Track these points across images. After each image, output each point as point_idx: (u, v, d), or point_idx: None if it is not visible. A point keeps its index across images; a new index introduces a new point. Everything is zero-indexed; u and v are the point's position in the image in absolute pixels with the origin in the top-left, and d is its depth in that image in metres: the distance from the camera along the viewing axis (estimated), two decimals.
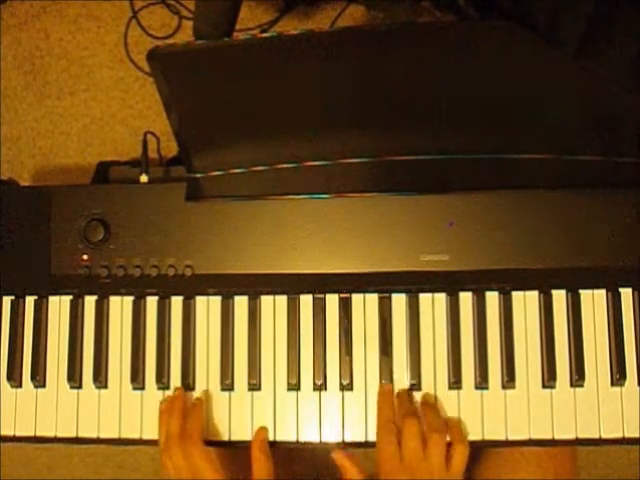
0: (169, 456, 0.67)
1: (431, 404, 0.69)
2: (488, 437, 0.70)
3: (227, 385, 0.72)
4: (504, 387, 0.70)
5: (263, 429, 0.71)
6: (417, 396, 0.71)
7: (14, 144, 1.25)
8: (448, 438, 0.66)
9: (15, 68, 1.26)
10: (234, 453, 0.74)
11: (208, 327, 0.73)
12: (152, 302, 0.74)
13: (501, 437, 0.70)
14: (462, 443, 0.65)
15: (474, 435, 0.69)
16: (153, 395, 0.73)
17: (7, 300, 0.75)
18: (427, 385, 0.70)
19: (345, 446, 0.70)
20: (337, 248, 0.72)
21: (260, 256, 0.72)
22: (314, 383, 0.71)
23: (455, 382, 0.70)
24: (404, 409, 0.67)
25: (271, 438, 0.71)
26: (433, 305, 0.72)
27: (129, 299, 0.74)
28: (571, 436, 0.69)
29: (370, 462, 0.68)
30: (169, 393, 0.72)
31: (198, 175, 0.75)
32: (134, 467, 1.27)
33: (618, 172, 0.72)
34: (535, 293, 0.71)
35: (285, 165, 0.74)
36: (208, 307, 0.73)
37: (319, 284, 0.72)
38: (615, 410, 0.69)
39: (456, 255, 0.71)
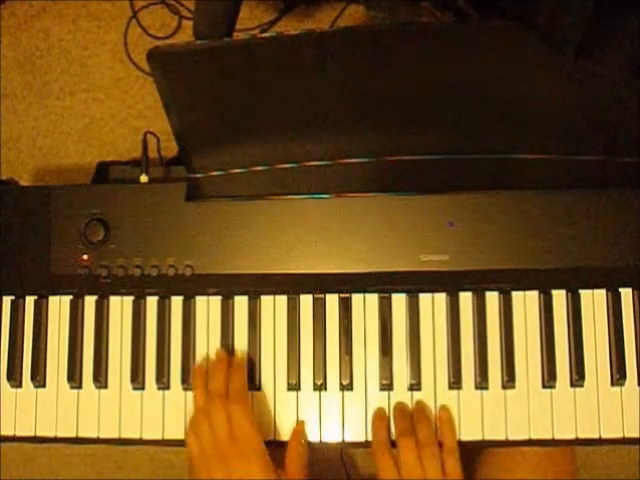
0: (207, 415, 0.65)
1: (423, 413, 0.69)
2: (488, 437, 0.70)
3: None
4: (504, 387, 0.70)
5: (301, 423, 0.71)
6: (418, 395, 0.71)
7: (14, 144, 1.25)
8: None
9: (15, 68, 1.26)
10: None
11: (208, 327, 0.73)
12: (152, 302, 0.74)
13: (501, 437, 0.70)
14: (451, 454, 0.66)
15: (474, 435, 0.69)
16: (153, 395, 0.73)
17: (7, 300, 0.75)
18: (427, 385, 0.70)
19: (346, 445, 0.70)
20: (337, 248, 0.72)
21: (260, 256, 0.72)
22: (314, 383, 0.71)
23: (455, 382, 0.70)
24: (400, 427, 0.68)
25: (271, 438, 0.71)
26: (433, 305, 0.72)
27: (129, 299, 0.74)
28: (571, 436, 0.69)
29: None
30: (169, 393, 0.72)
31: (198, 175, 0.75)
32: (134, 467, 1.27)
33: (618, 172, 0.72)
34: (535, 293, 0.71)
35: (285, 165, 0.74)
36: (208, 307, 0.73)
37: (319, 284, 0.72)
38: (615, 410, 0.69)
39: (456, 255, 0.71)
